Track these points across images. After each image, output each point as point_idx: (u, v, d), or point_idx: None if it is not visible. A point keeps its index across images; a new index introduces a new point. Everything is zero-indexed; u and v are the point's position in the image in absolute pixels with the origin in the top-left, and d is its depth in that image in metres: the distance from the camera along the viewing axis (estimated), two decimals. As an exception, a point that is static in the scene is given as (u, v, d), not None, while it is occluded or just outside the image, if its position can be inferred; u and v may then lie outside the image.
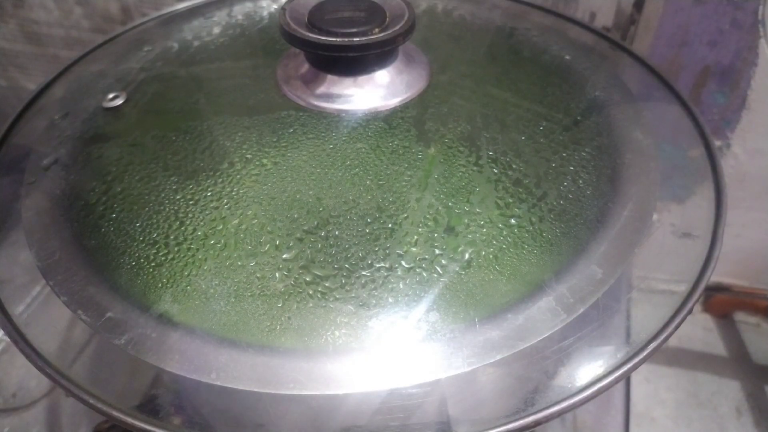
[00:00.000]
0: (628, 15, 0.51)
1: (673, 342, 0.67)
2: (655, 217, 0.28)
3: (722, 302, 0.68)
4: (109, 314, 0.24)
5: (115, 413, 0.22)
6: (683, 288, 0.27)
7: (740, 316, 0.68)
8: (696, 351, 0.66)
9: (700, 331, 0.68)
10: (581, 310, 0.24)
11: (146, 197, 0.27)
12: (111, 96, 0.33)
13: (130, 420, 0.22)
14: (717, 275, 0.68)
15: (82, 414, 0.44)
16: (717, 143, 0.56)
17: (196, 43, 0.37)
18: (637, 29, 0.51)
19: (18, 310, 0.27)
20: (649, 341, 0.25)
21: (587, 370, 0.25)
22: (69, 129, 0.32)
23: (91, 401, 0.23)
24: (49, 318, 0.26)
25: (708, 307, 0.69)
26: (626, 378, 0.49)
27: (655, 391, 0.63)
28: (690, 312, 0.26)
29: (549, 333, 0.23)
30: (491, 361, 0.22)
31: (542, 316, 0.23)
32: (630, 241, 0.26)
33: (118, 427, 0.24)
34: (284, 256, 0.24)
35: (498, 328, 0.23)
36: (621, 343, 0.26)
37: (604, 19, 0.52)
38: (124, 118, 0.32)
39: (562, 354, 0.24)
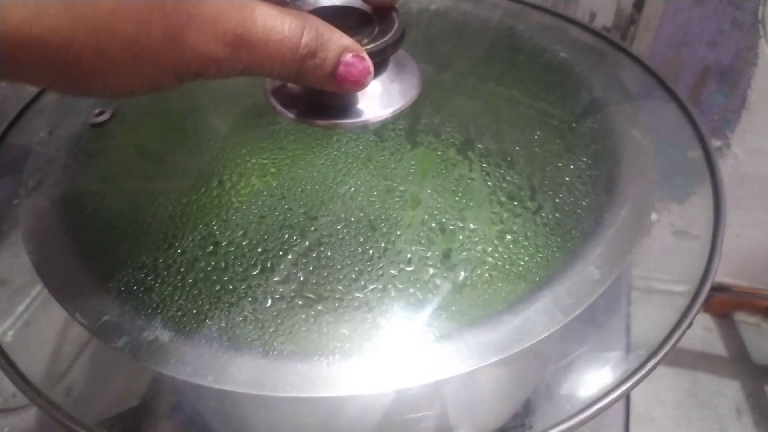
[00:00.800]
0: (628, 15, 0.51)
1: (673, 342, 0.67)
2: (654, 216, 0.28)
3: (722, 302, 0.68)
4: (106, 317, 0.24)
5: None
6: (681, 288, 0.27)
7: (740, 316, 0.68)
8: (696, 351, 0.66)
9: (700, 331, 0.68)
10: (578, 311, 0.24)
11: (134, 220, 0.27)
12: (97, 111, 0.32)
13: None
14: (717, 275, 0.68)
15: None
16: (717, 143, 0.56)
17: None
18: (637, 29, 0.51)
19: (18, 310, 0.27)
20: (649, 357, 0.25)
21: (587, 380, 0.25)
22: (55, 148, 0.32)
23: (66, 422, 0.23)
24: (46, 321, 0.26)
25: (708, 307, 0.69)
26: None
27: (656, 391, 0.63)
28: (690, 325, 0.26)
29: (546, 334, 0.23)
30: (489, 362, 0.22)
31: (539, 318, 0.23)
32: (628, 241, 0.26)
33: (118, 428, 0.24)
34: (275, 279, 0.24)
35: (495, 330, 0.23)
36: (621, 347, 0.26)
37: (604, 19, 0.52)
38: (110, 134, 0.32)
39: (562, 354, 0.24)
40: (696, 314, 0.26)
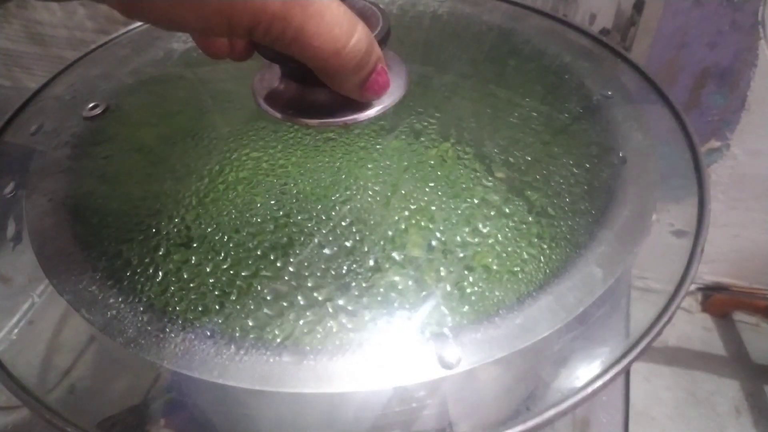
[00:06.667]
0: (628, 17, 0.51)
1: (672, 341, 0.67)
2: (654, 217, 0.28)
3: (721, 302, 0.68)
4: (112, 313, 0.24)
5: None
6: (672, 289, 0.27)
7: (739, 316, 0.69)
8: (695, 350, 0.66)
9: (699, 330, 0.68)
10: (581, 310, 0.24)
11: (137, 215, 0.28)
12: (91, 106, 0.33)
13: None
14: (716, 275, 0.68)
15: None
16: (716, 144, 0.56)
17: (179, 52, 0.38)
18: (637, 31, 0.51)
19: (21, 309, 0.27)
20: (638, 340, 0.25)
21: (586, 371, 0.25)
22: (54, 144, 0.33)
23: (60, 424, 0.23)
24: (50, 318, 0.26)
25: (707, 306, 0.69)
26: (625, 377, 0.49)
27: (655, 390, 0.63)
28: (678, 307, 0.26)
29: (549, 332, 0.23)
30: (491, 360, 0.23)
31: (543, 315, 0.24)
32: (630, 240, 0.27)
33: (120, 426, 0.24)
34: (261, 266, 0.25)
35: (498, 327, 0.23)
36: (620, 345, 0.26)
37: (604, 20, 0.52)
38: (105, 129, 0.33)
39: (562, 354, 0.24)
40: (685, 295, 0.26)
